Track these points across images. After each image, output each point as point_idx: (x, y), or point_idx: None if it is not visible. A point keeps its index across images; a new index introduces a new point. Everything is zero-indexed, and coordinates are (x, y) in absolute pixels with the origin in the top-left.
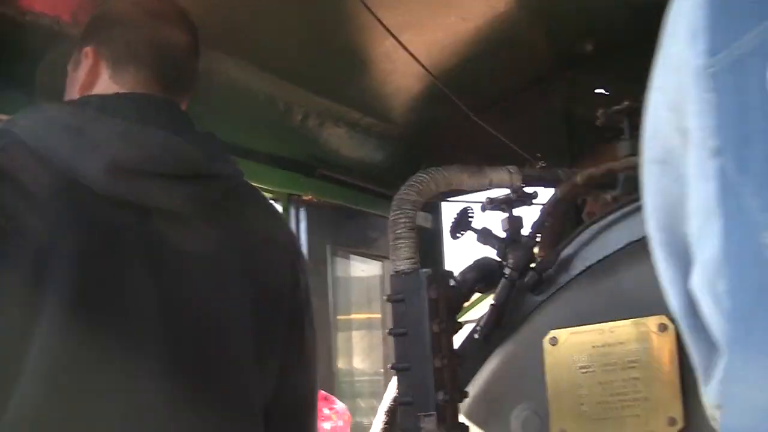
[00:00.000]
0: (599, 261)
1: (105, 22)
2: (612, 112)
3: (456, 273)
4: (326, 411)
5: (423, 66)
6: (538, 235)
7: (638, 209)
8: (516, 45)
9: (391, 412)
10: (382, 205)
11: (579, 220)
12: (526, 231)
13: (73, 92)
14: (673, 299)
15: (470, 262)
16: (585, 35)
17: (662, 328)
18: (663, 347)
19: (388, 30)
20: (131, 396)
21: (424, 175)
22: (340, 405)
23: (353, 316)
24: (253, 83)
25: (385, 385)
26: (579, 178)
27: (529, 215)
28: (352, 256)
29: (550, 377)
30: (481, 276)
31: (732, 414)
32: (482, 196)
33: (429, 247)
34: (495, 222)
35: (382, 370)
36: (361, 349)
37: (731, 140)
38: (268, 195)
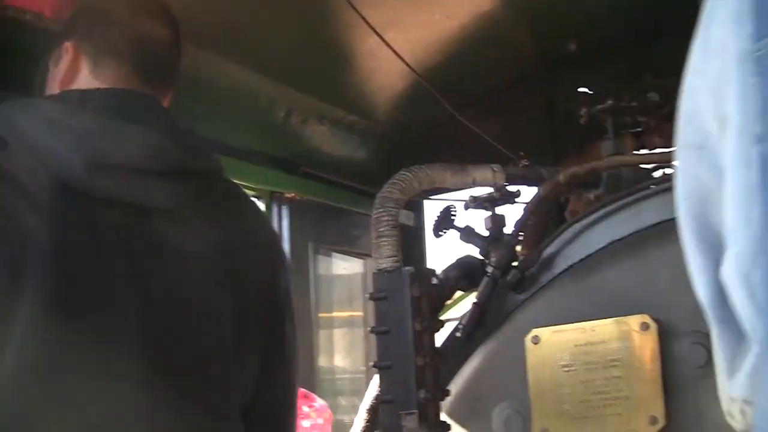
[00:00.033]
0: (582, 260)
1: (85, 16)
2: (596, 111)
3: (438, 271)
4: (306, 409)
5: (407, 64)
6: (521, 233)
7: (621, 208)
8: (500, 43)
9: (373, 411)
10: (365, 203)
11: (561, 219)
12: (508, 229)
13: (53, 88)
14: (701, 288)
15: (452, 261)
16: (569, 34)
17: (644, 326)
18: (645, 346)
19: (372, 28)
20: (109, 395)
21: (408, 173)
22: (320, 403)
23: (335, 313)
24: (237, 80)
25: (367, 383)
26: (562, 177)
27: (512, 214)
28: (334, 253)
29: (532, 376)
30: (464, 274)
31: (764, 409)
32: (464, 194)
33: (411, 245)
34: (478, 220)
35: (363, 368)
36: (342, 347)
37: None
38: (250, 192)
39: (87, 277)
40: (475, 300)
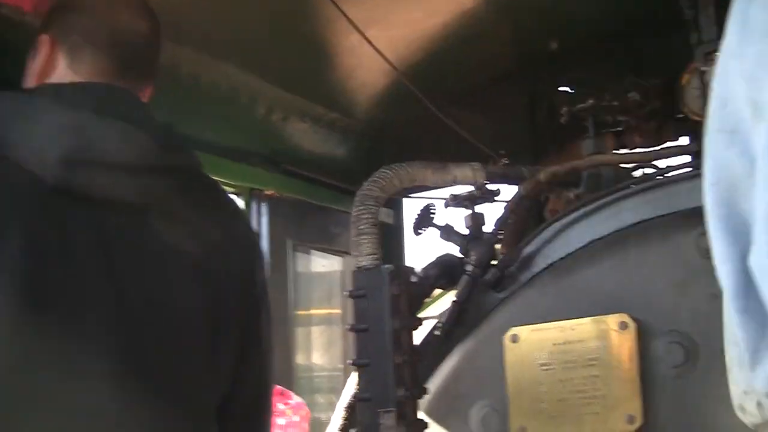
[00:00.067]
0: (561, 259)
1: (62, 9)
2: (577, 110)
3: (417, 269)
4: (281, 406)
5: (388, 61)
6: (500, 232)
7: (601, 207)
8: (482, 42)
9: (351, 408)
10: (345, 200)
11: (541, 218)
12: (488, 228)
13: (30, 81)
14: (724, 278)
15: (432, 259)
16: (551, 33)
17: (623, 326)
18: (623, 345)
19: (353, 24)
20: (81, 393)
21: (388, 171)
22: (296, 400)
23: (313, 311)
24: (217, 77)
25: (345, 381)
26: (543, 176)
27: (491, 212)
28: (313, 251)
29: (510, 374)
30: (443, 272)
31: None
32: (444, 192)
33: (390, 242)
34: (458, 219)
35: (341, 366)
36: (320, 344)
37: None
38: (229, 189)
39: (61, 274)
40: (454, 298)
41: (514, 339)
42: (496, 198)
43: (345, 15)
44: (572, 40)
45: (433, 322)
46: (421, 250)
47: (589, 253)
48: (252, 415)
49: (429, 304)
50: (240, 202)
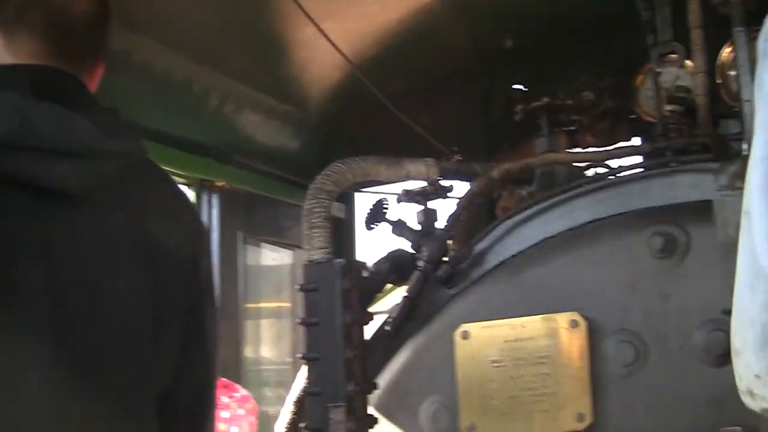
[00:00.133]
0: (513, 256)
1: None
2: (531, 108)
3: (369, 264)
4: (225, 399)
5: (343, 55)
6: (453, 228)
7: (554, 206)
8: (437, 38)
9: (300, 403)
10: (297, 193)
11: (492, 216)
12: (440, 224)
13: None
14: (764, 257)
15: (384, 254)
16: (506, 31)
17: (573, 324)
18: (573, 343)
19: (309, 17)
20: (15, 387)
21: (341, 165)
22: (242, 393)
23: (263, 304)
24: (170, 65)
25: (293, 375)
26: (496, 173)
27: (444, 208)
28: (263, 244)
29: (461, 371)
30: (395, 267)
31: None
32: (395, 187)
33: (341, 237)
34: (410, 214)
35: (290, 360)
36: (269, 337)
37: None
38: (180, 180)
39: None
40: (405, 294)
41: (465, 335)
42: (448, 194)
43: (301, 7)
44: (527, 38)
45: (384, 317)
46: (371, 245)
47: (541, 251)
48: (195, 408)
49: (379, 298)
50: (191, 194)
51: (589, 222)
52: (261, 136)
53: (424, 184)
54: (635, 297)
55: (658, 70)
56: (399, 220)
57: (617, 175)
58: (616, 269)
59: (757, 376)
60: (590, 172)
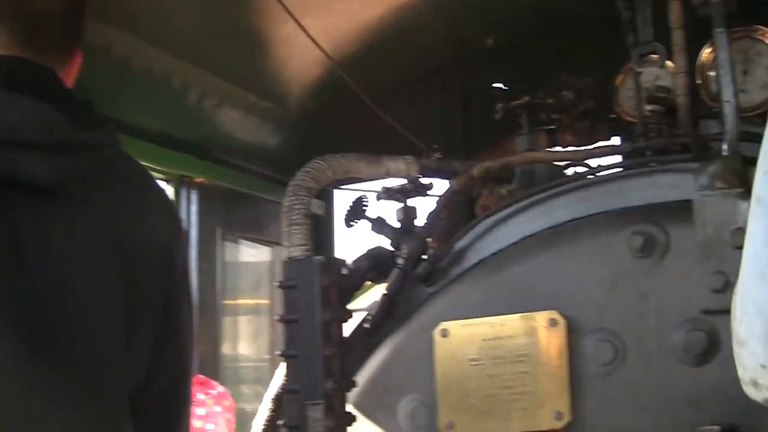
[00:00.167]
0: (493, 254)
1: None
2: (511, 107)
3: (348, 261)
4: (201, 396)
5: (323, 51)
6: (433, 226)
7: (534, 204)
8: (417, 35)
9: (278, 400)
10: (276, 190)
11: (472, 214)
12: (420, 222)
13: None
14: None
15: (363, 251)
16: (486, 30)
17: (552, 322)
18: (552, 342)
19: (289, 13)
20: None
21: (321, 162)
22: (219, 390)
23: (241, 301)
24: (150, 60)
25: (271, 372)
26: (476, 171)
27: (423, 206)
28: (242, 240)
29: (439, 369)
30: (374, 265)
31: None
32: (374, 184)
33: (320, 234)
34: (390, 211)
35: (268, 357)
36: (247, 334)
37: None
38: (159, 176)
39: None
40: (384, 291)
41: (444, 333)
42: (428, 192)
43: (281, 3)
44: (508, 37)
45: (363, 314)
46: (350, 242)
47: (521, 249)
48: (170, 404)
49: (358, 296)
50: (169, 190)
51: (569, 221)
52: (240, 132)
53: (403, 181)
54: (614, 296)
55: (639, 70)
56: (378, 217)
57: (597, 174)
58: (596, 268)
59: (763, 366)
60: (570, 171)
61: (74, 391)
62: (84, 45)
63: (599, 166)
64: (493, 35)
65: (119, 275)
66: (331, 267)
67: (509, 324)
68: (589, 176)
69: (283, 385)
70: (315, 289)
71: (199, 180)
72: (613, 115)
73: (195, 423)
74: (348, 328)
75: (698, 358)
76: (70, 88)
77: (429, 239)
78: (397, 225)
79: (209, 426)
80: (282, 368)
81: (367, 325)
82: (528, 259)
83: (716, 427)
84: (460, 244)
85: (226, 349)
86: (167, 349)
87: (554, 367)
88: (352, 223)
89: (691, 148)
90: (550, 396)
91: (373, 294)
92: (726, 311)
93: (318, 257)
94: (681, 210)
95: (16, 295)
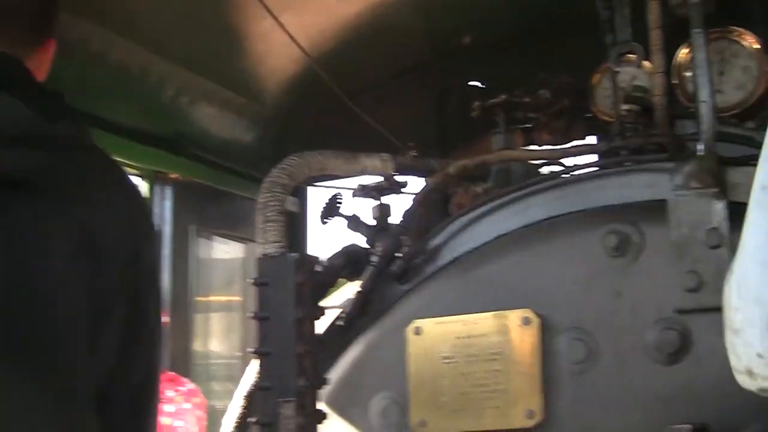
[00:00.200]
0: (468, 252)
1: None
2: (488, 105)
3: (322, 258)
4: (171, 393)
5: (300, 48)
6: (408, 224)
7: (509, 203)
8: (395, 33)
9: (250, 397)
10: (250, 187)
11: (446, 212)
12: (395, 219)
13: None
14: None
15: (338, 248)
16: (464, 28)
17: (526, 321)
18: (525, 340)
19: (267, 9)
20: None
21: (297, 159)
22: (189, 387)
23: (213, 297)
24: (126, 55)
25: (243, 369)
26: (452, 169)
27: (398, 204)
28: (215, 237)
29: (412, 367)
30: (348, 262)
31: None
32: (348, 182)
33: (293, 231)
34: (365, 209)
35: (239, 354)
36: (219, 331)
37: None
38: (133, 171)
39: None
40: (359, 289)
41: (418, 331)
42: (403, 190)
43: None
44: (485, 35)
45: (336, 311)
46: (323, 239)
47: (496, 247)
48: (137, 402)
49: (331, 293)
50: (144, 186)
51: (545, 219)
52: (216, 128)
53: (379, 179)
54: (589, 295)
55: (616, 69)
56: (354, 215)
57: (573, 173)
58: (571, 267)
59: (760, 356)
60: (546, 170)
61: (37, 387)
62: (60, 39)
63: (575, 165)
64: (470, 33)
65: (85, 269)
66: (305, 264)
67: (483, 322)
68: (564, 175)
69: (256, 382)
70: (289, 286)
71: (173, 176)
72: (590, 114)
73: (164, 420)
74: (321, 326)
75: (671, 357)
76: (44, 80)
77: (404, 237)
78: (373, 222)
79: (178, 423)
80: (254, 365)
81: (340, 323)
82: (503, 257)
83: (688, 426)
84: (435, 242)
85: (197, 346)
86: (134, 347)
87: (527, 365)
88: (327, 220)
89: (666, 147)
90: (523, 394)
91: (347, 291)
92: (700, 310)
93: (292, 254)
94: (656, 209)
95: None
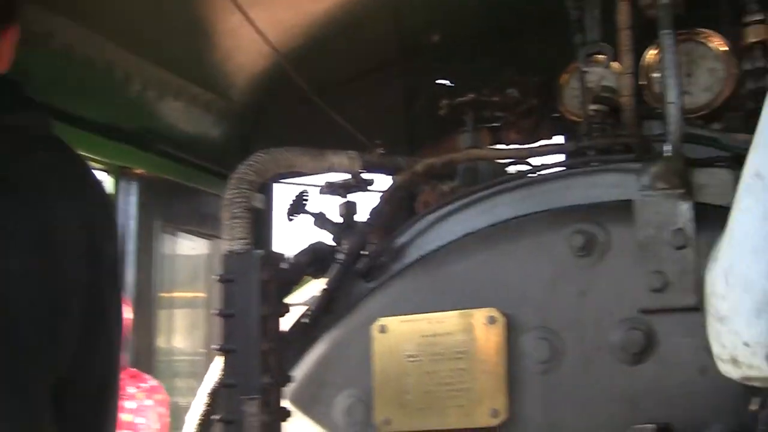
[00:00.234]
0: (434, 251)
1: None
2: (456, 104)
3: (288, 255)
4: (132, 389)
5: (269, 43)
6: (374, 222)
7: (476, 201)
8: (363, 29)
9: (214, 394)
10: (217, 183)
11: (412, 210)
12: (361, 217)
13: None
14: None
15: (303, 245)
16: (433, 26)
17: (491, 320)
18: (490, 339)
19: (236, 4)
20: None
21: (264, 155)
22: (151, 383)
23: (177, 293)
24: (92, 49)
25: (207, 366)
26: (420, 167)
27: (364, 201)
28: (180, 233)
29: (377, 365)
30: (314, 260)
31: None
32: (313, 178)
33: (258, 228)
34: (332, 206)
35: (203, 350)
36: (183, 327)
37: None
38: (98, 166)
39: None
40: (324, 286)
41: (383, 329)
42: (369, 187)
43: None
44: (454, 33)
45: (302, 308)
46: (288, 236)
47: (462, 246)
48: (96, 398)
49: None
50: (109, 181)
51: (511, 219)
52: (183, 123)
53: (346, 176)
54: (554, 294)
55: (585, 69)
56: (320, 212)
57: (540, 172)
58: (537, 266)
59: (746, 344)
60: (513, 169)
61: None
62: (25, 31)
63: (542, 164)
64: (439, 31)
65: (42, 263)
66: (271, 261)
67: (448, 321)
68: (532, 175)
69: (220, 379)
70: (254, 283)
71: (139, 171)
72: (557, 114)
73: (125, 417)
74: (286, 323)
75: (635, 357)
76: (8, 70)
77: (370, 235)
78: (339, 220)
79: (139, 420)
80: (218, 362)
81: (305, 320)
82: (469, 256)
83: (652, 426)
84: (401, 239)
85: (161, 342)
86: (94, 343)
87: (492, 364)
88: (293, 217)
89: (634, 148)
90: (487, 393)
91: (313, 289)
92: (665, 311)
93: (258, 251)
94: (622, 210)
95: None
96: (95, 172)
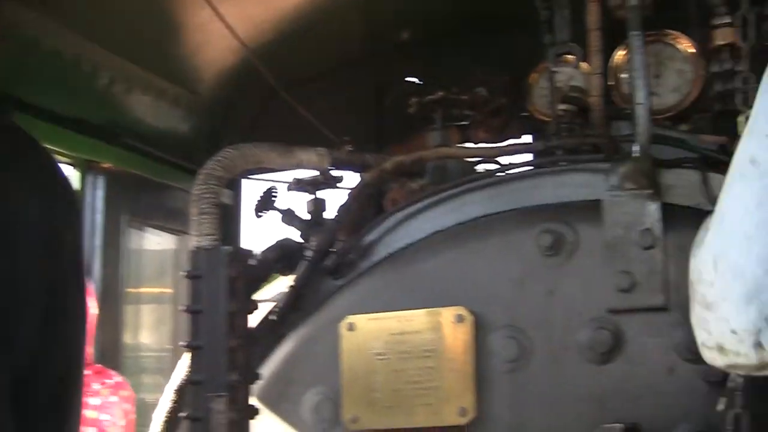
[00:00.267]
0: (402, 249)
1: None
2: (425, 102)
3: (256, 252)
4: (96, 386)
5: (238, 39)
6: (343, 219)
7: (445, 200)
8: (332, 26)
9: (181, 391)
10: (185, 178)
11: (380, 207)
12: (329, 214)
13: None
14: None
15: (271, 242)
16: (402, 24)
17: (459, 318)
18: (458, 338)
19: None
20: None
21: (233, 151)
22: (117, 379)
23: (144, 289)
24: (59, 41)
25: (173, 362)
26: (389, 165)
27: (332, 198)
28: (147, 228)
29: (345, 363)
30: (282, 256)
31: None
32: (282, 175)
33: (226, 224)
34: (300, 203)
35: (170, 347)
36: (150, 323)
37: None
38: (64, 160)
39: None
40: (292, 283)
41: (351, 327)
42: (338, 184)
43: None
44: (424, 31)
45: (269, 305)
46: (256, 233)
47: (431, 244)
48: (57, 394)
49: (264, 286)
50: (75, 175)
51: (480, 217)
52: (151, 118)
53: (315, 173)
54: (522, 293)
55: (554, 69)
56: (288, 208)
57: (509, 171)
58: (505, 265)
59: (734, 332)
60: (482, 168)
61: None
62: None
63: (511, 163)
64: (408, 29)
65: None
66: (239, 257)
67: (416, 319)
68: (500, 173)
69: (187, 376)
70: (221, 279)
71: (106, 165)
72: (526, 113)
73: (89, 413)
74: (254, 320)
75: (603, 357)
76: None
77: (339, 232)
78: (307, 217)
79: (104, 416)
80: (185, 359)
81: (273, 317)
82: (437, 254)
83: (619, 425)
84: (370, 237)
85: (127, 338)
86: (55, 338)
87: (460, 363)
88: (261, 213)
89: (602, 148)
90: (455, 392)
91: (280, 285)
92: (632, 310)
93: (226, 247)
94: (591, 209)
95: None
96: (61, 165)
